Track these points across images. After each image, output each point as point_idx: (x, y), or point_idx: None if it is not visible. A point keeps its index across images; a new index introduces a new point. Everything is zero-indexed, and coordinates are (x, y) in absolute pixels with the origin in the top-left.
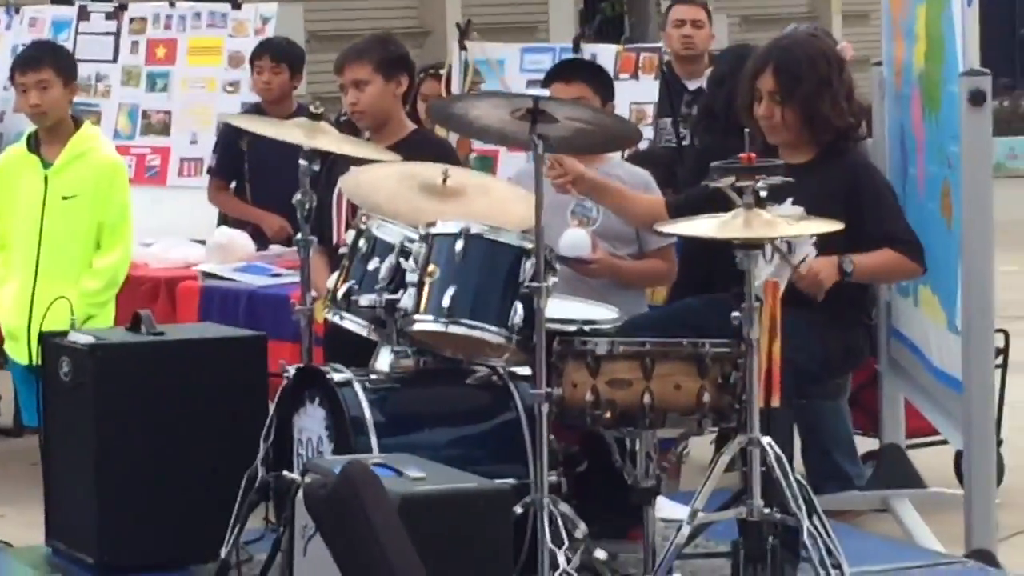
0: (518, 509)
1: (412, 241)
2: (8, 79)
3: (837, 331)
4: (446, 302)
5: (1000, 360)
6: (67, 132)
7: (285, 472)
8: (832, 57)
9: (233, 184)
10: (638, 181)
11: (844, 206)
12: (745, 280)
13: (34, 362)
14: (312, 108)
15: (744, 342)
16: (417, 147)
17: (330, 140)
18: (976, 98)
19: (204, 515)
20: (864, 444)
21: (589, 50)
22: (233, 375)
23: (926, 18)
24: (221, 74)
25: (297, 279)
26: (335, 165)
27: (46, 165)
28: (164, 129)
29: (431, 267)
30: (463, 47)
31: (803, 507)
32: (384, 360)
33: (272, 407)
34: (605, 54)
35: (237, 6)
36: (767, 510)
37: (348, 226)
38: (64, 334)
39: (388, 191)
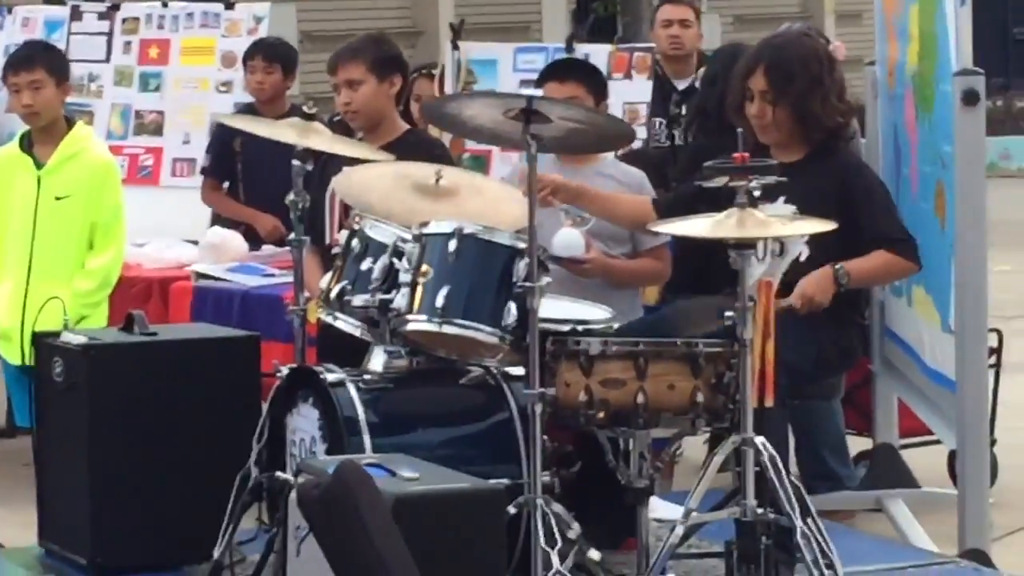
0: (511, 509)
1: (405, 241)
2: (0, 79)
3: (831, 331)
4: (439, 302)
5: (994, 360)
6: (60, 132)
7: (278, 472)
8: (824, 56)
9: (226, 184)
10: (632, 181)
11: (836, 205)
12: (739, 279)
13: (27, 362)
14: (305, 108)
15: (738, 342)
16: (411, 147)
17: (323, 140)
18: (969, 98)
19: (197, 515)
20: (857, 444)
21: (582, 50)
22: (226, 375)
23: (919, 18)
24: (214, 74)
25: (290, 279)
26: (328, 165)
27: (39, 165)
28: (157, 129)
29: (424, 267)
30: (456, 47)
31: (797, 507)
32: (377, 360)
33: (265, 407)
34: (598, 54)
35: (230, 6)
36: (761, 510)
37: (341, 226)
38: (57, 334)
39: (381, 191)
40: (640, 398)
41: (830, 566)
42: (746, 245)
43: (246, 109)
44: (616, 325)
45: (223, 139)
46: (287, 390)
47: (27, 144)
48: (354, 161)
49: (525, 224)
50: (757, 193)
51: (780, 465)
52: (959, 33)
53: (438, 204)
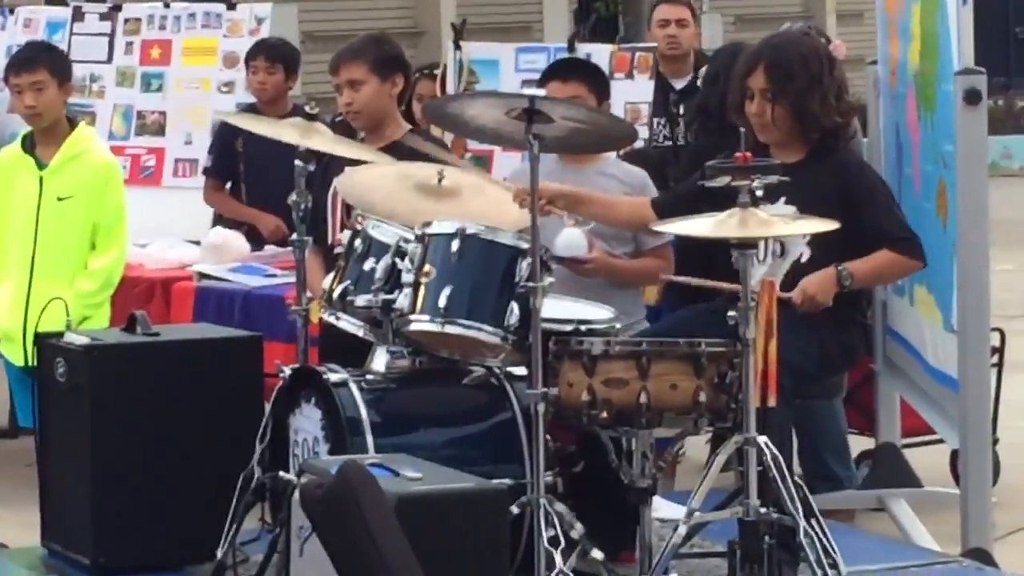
0: (514, 509)
1: (408, 241)
2: (3, 80)
3: (833, 330)
4: (442, 302)
5: (996, 359)
6: (62, 133)
7: (281, 473)
8: (824, 56)
9: (229, 184)
10: (635, 180)
11: (838, 205)
12: (741, 279)
13: (30, 363)
14: (307, 108)
15: (740, 341)
16: (413, 147)
17: (324, 140)
18: (971, 97)
19: (200, 516)
20: (860, 443)
21: (584, 50)
22: (229, 376)
23: (921, 17)
24: (216, 74)
25: (292, 279)
26: (330, 165)
27: (41, 166)
28: (159, 130)
29: (427, 267)
30: (458, 47)
31: (800, 507)
32: (380, 360)
33: (268, 408)
34: (600, 54)
35: (232, 6)
36: (764, 510)
37: (343, 226)
38: (60, 335)
39: (384, 191)
40: (643, 398)
41: (833, 566)
42: (748, 245)
43: (248, 109)
44: (619, 325)
45: (225, 139)
46: (290, 390)
47: (29, 145)
48: (356, 161)
49: (527, 224)
50: (759, 193)
51: (783, 465)
52: (961, 32)
53: (440, 204)
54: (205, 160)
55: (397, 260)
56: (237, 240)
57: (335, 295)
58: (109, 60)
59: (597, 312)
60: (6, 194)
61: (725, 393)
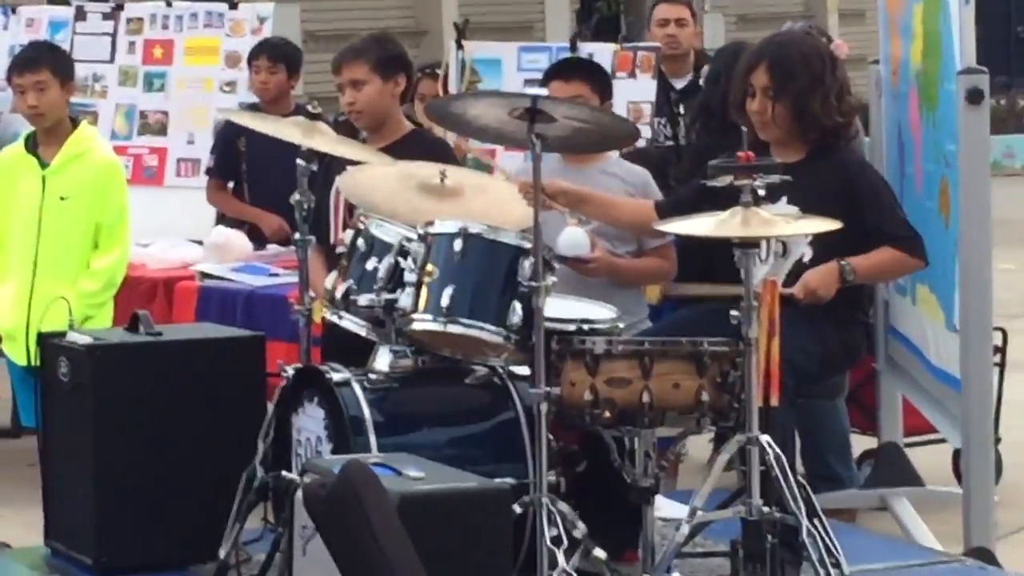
0: (517, 508)
1: (410, 241)
2: (5, 80)
3: (836, 330)
4: (445, 301)
5: (998, 358)
6: (65, 132)
7: (284, 472)
8: (827, 56)
9: (231, 184)
10: (637, 179)
11: (840, 205)
12: (743, 278)
13: (32, 363)
14: (310, 108)
15: (743, 341)
16: (415, 147)
17: (326, 140)
18: (974, 96)
19: (203, 515)
20: (862, 443)
21: (586, 49)
22: (231, 375)
23: (923, 16)
24: (218, 74)
25: (294, 279)
26: (332, 164)
27: (44, 165)
28: (161, 129)
29: (430, 267)
30: (460, 46)
31: (802, 506)
32: (383, 360)
33: (270, 407)
34: (602, 53)
35: (234, 6)
36: (766, 509)
37: (345, 225)
38: (62, 335)
39: (386, 191)
40: (645, 397)
41: (836, 565)
42: (751, 244)
43: (250, 109)
44: (621, 324)
45: (228, 139)
46: (292, 390)
47: (32, 144)
48: (359, 161)
49: (530, 223)
50: (762, 192)
51: (785, 464)
52: (963, 31)
53: (443, 204)
54: (207, 160)
55: (400, 259)
56: (239, 240)
57: (338, 294)
58: (111, 60)
59: (599, 311)
60: (9, 194)
61: (728, 392)
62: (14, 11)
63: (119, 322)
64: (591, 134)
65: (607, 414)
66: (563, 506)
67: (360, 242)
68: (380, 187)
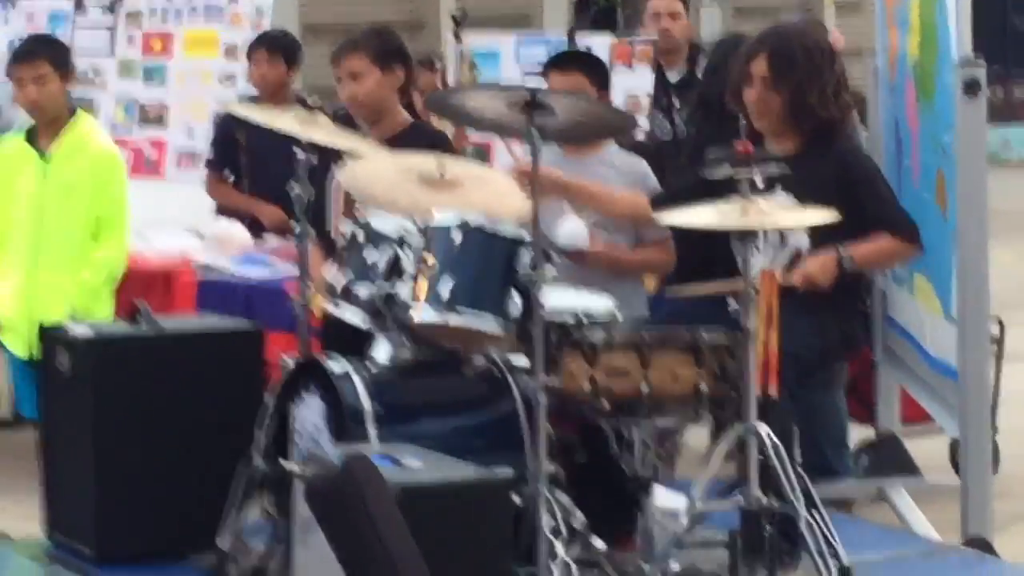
0: (516, 499)
1: (410, 232)
2: (5, 73)
3: (834, 320)
4: (444, 293)
5: (996, 349)
6: (64, 124)
7: (283, 463)
8: (827, 49)
9: (231, 176)
10: (635, 170)
11: (836, 195)
12: (741, 269)
13: (33, 354)
14: (309, 100)
15: (741, 331)
16: (414, 139)
17: (326, 132)
18: (971, 87)
19: (202, 506)
20: (860, 433)
21: (584, 41)
22: (231, 366)
23: (919, 8)
24: (217, 66)
25: (293, 270)
26: (331, 157)
27: (44, 157)
28: (161, 122)
29: (429, 258)
30: (458, 38)
31: (801, 497)
32: (382, 351)
33: (270, 398)
34: (600, 45)
35: None
36: (765, 499)
37: (344, 217)
38: (62, 326)
39: (385, 183)
40: (644, 388)
41: (834, 555)
42: (749, 234)
43: (250, 101)
44: (619, 315)
45: (227, 131)
46: (292, 381)
47: (32, 136)
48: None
49: (529, 215)
50: (760, 183)
51: (784, 454)
52: (959, 23)
53: (442, 195)
54: (207, 152)
55: (399, 251)
56: (239, 231)
57: (337, 286)
58: (111, 53)
59: (598, 302)
60: (9, 185)
61: (726, 383)
62: (13, 5)
63: (119, 314)
64: (589, 126)
65: (606, 405)
66: (562, 496)
67: (359, 234)
68: (379, 179)
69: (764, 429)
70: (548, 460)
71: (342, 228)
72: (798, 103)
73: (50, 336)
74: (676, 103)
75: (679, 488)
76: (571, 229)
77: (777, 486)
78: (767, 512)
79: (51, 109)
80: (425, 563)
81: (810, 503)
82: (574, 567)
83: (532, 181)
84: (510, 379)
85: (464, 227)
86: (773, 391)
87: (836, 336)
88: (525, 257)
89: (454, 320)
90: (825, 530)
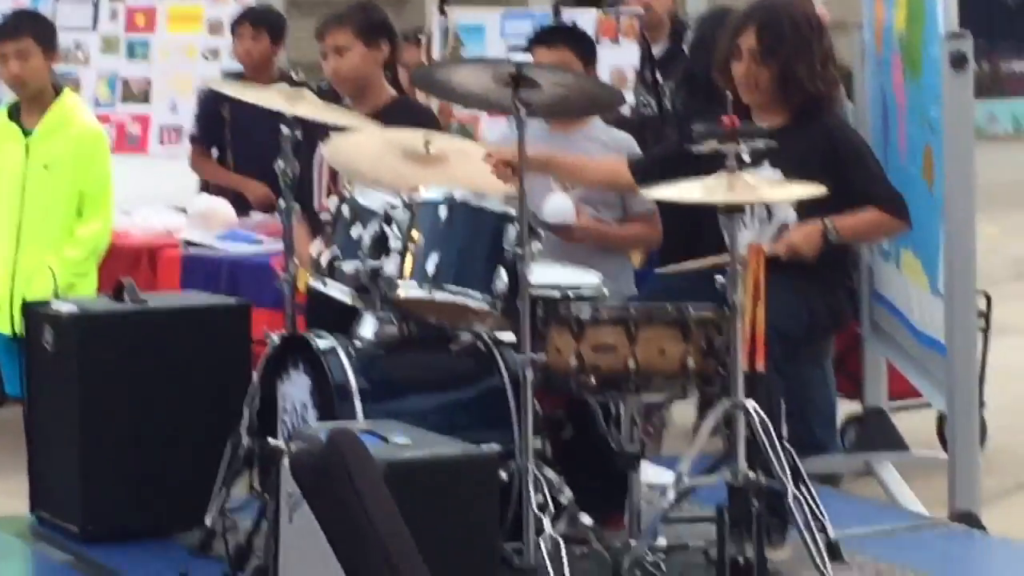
0: (503, 475)
1: (395, 208)
2: None
3: (821, 294)
4: (430, 268)
5: (982, 323)
6: (48, 101)
7: (270, 439)
8: (814, 22)
9: (215, 152)
10: (621, 145)
11: (823, 169)
12: (728, 244)
13: (17, 331)
14: (294, 75)
15: (728, 306)
16: (399, 114)
17: (311, 107)
18: (958, 61)
19: (189, 483)
20: (847, 408)
21: (569, 15)
22: (217, 343)
23: None
24: (201, 42)
25: (278, 246)
26: (316, 132)
27: (27, 134)
28: (144, 97)
29: (415, 234)
30: (444, 13)
31: (788, 472)
32: (368, 327)
33: (256, 375)
34: (585, 18)
35: None
36: (752, 474)
37: (329, 192)
38: (47, 303)
39: (371, 158)
40: (631, 363)
41: (821, 529)
42: (736, 209)
43: (234, 77)
44: (606, 290)
45: (211, 106)
46: (278, 357)
47: (15, 113)
48: (342, 127)
49: (515, 190)
50: (746, 157)
51: (771, 429)
52: None
53: (428, 171)
54: (191, 127)
55: (385, 227)
56: (223, 207)
57: (323, 262)
58: (94, 27)
59: (585, 278)
60: None
61: (713, 358)
62: None
63: (103, 290)
64: (575, 100)
65: (593, 380)
66: (549, 472)
67: (345, 209)
68: (364, 154)
69: (751, 404)
70: (535, 436)
71: (327, 204)
72: (787, 76)
73: (34, 313)
74: (659, 77)
75: (666, 464)
76: (557, 205)
77: (764, 461)
78: (754, 487)
79: (34, 85)
80: (412, 539)
81: (797, 478)
82: (561, 543)
83: (520, 155)
84: (497, 355)
85: (450, 202)
86: (760, 366)
87: (823, 311)
88: (511, 232)
89: (440, 296)
90: (812, 505)
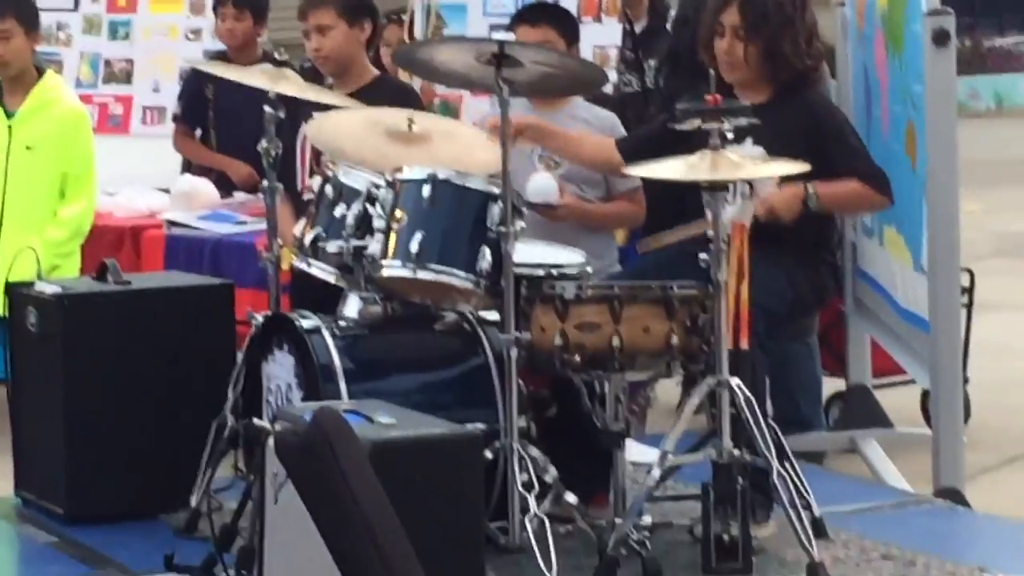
0: (488, 454)
1: (379, 187)
2: None
3: (804, 271)
4: (414, 248)
5: (966, 299)
6: (30, 82)
7: (254, 420)
8: None
9: (199, 132)
10: (604, 123)
11: (805, 145)
12: (712, 221)
13: (0, 313)
14: (276, 55)
15: (712, 284)
16: (382, 93)
17: (294, 86)
18: (940, 37)
19: (173, 464)
20: (831, 385)
21: None
22: (201, 323)
23: None
24: (183, 22)
25: (262, 226)
26: (299, 111)
27: (9, 115)
28: (126, 78)
29: (398, 213)
30: None
31: (772, 449)
32: (352, 307)
33: (240, 355)
34: None
35: None
36: (736, 452)
37: (312, 172)
38: (30, 284)
39: (354, 137)
40: (615, 341)
41: (806, 507)
42: (719, 187)
43: (217, 57)
44: (590, 269)
45: (195, 86)
46: (262, 337)
47: None
48: (325, 107)
49: (498, 169)
50: (730, 135)
51: (756, 407)
52: None
53: (411, 150)
54: (174, 108)
55: (368, 206)
56: (206, 188)
57: (306, 241)
58: (75, 8)
59: (569, 256)
60: None
61: (697, 336)
62: None
63: (86, 271)
64: (558, 79)
65: (577, 359)
66: (534, 451)
67: (328, 189)
68: (347, 133)
69: (735, 382)
70: (519, 415)
71: (311, 183)
72: (773, 53)
73: (18, 294)
74: (640, 55)
75: (651, 442)
76: (541, 184)
77: (749, 439)
78: (739, 465)
79: (16, 66)
80: (397, 518)
81: (782, 455)
82: (547, 521)
83: (503, 135)
84: (481, 334)
85: (433, 181)
86: (744, 344)
87: (806, 288)
88: (495, 211)
89: (424, 275)
90: (797, 482)
